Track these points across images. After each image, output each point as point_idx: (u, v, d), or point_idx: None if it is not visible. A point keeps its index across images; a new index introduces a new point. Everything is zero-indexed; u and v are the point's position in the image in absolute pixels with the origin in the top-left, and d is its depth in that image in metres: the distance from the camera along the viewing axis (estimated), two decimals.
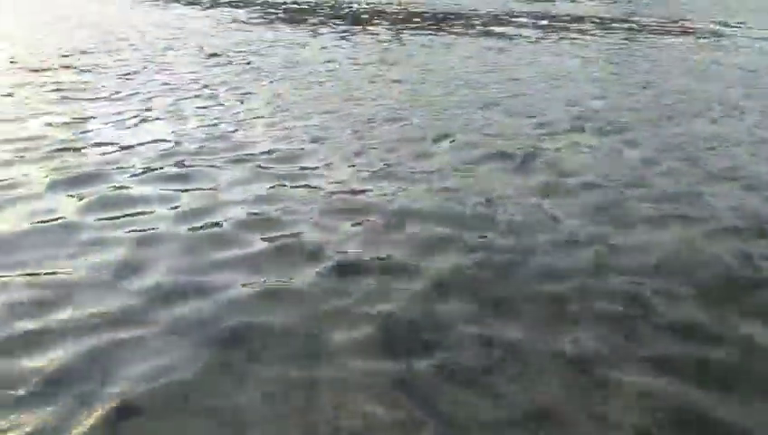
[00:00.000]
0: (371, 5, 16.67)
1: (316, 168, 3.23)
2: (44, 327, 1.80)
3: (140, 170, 3.20)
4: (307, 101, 4.75)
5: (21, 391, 1.51)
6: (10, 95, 4.87)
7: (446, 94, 4.76)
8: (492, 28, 10.40)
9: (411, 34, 9.41)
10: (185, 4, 15.68)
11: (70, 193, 2.82)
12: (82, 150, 3.50)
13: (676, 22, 11.43)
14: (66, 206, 2.66)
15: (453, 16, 13.01)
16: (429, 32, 9.78)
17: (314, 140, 3.69)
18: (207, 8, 14.15)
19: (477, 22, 11.67)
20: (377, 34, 9.28)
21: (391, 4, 17.25)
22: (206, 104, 4.63)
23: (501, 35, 9.38)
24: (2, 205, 2.66)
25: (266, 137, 3.81)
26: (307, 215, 2.59)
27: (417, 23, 11.54)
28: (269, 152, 3.50)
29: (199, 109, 4.50)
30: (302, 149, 3.55)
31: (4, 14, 12.70)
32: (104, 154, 3.44)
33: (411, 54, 7.20)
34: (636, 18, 12.21)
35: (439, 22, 11.59)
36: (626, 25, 10.78)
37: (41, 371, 1.59)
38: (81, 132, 3.85)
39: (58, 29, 9.91)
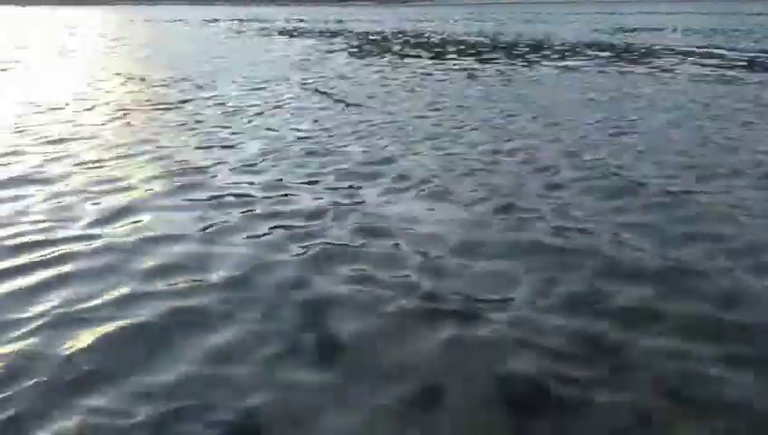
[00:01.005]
0: (450, 35, 17.20)
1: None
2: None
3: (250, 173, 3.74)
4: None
5: None
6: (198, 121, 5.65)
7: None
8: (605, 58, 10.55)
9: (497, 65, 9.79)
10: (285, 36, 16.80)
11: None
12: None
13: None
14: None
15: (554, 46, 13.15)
16: (516, 63, 10.13)
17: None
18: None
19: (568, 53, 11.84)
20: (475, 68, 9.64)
21: (473, 34, 17.67)
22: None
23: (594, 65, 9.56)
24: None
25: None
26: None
27: (497, 54, 11.86)
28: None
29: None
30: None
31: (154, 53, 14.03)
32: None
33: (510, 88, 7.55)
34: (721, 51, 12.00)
35: (530, 52, 11.85)
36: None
37: None
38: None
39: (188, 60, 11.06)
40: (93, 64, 10.20)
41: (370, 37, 17.53)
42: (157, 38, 17.66)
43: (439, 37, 17.33)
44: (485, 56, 11.25)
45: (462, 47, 13.50)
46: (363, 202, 3.21)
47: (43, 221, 2.90)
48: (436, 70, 9.09)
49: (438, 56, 11.31)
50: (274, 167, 3.91)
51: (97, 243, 2.66)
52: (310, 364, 1.75)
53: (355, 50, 13.04)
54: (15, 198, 3.25)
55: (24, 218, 2.94)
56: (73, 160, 4.06)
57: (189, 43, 15.19)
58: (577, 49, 12.72)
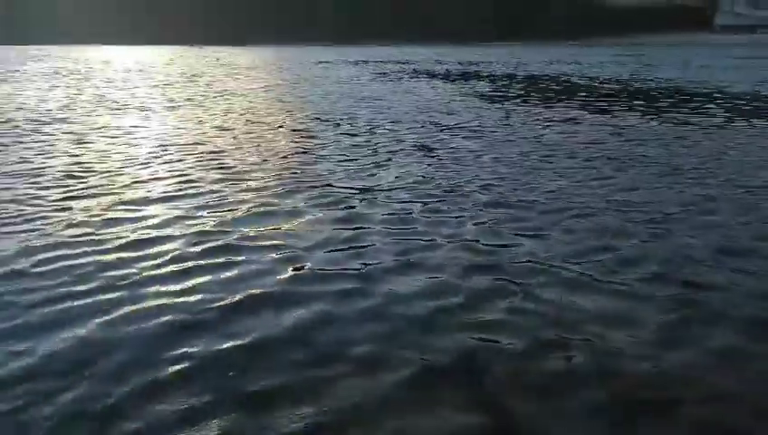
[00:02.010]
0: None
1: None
2: None
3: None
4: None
5: None
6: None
7: None
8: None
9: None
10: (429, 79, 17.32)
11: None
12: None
13: None
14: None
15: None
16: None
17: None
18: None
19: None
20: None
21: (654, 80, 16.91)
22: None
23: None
24: None
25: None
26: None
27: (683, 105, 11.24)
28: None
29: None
30: None
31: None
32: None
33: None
34: None
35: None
36: None
37: None
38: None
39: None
40: (256, 102, 11.16)
41: (515, 80, 17.44)
42: (309, 79, 18.96)
43: (584, 82, 16.79)
44: (636, 105, 10.67)
45: (609, 94, 12.95)
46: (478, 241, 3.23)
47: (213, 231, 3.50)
48: (580, 119, 8.75)
49: (582, 103, 10.92)
50: (407, 203, 4.14)
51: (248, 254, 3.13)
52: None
53: (498, 94, 13.01)
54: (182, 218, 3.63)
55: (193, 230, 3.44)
56: (224, 184, 4.63)
57: (340, 85, 16.11)
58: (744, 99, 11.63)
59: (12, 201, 4.18)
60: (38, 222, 3.70)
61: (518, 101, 11.66)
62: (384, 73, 21.54)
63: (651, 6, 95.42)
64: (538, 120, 8.78)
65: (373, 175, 5.07)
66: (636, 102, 11.22)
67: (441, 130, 7.64)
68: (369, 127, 7.91)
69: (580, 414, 1.88)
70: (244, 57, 41.98)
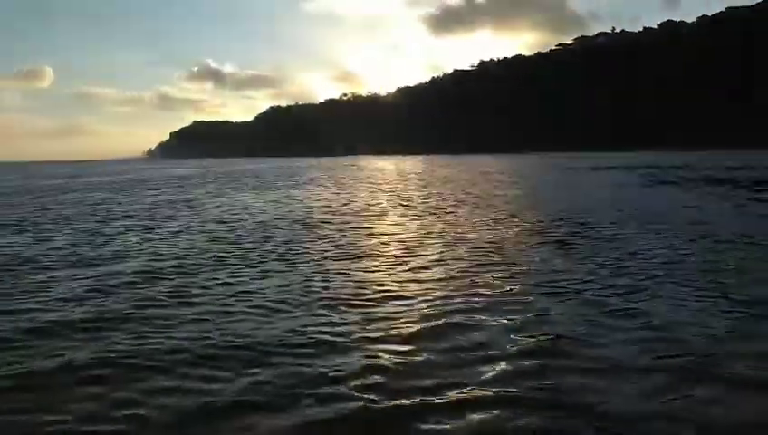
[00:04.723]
0: None
1: None
2: None
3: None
4: None
5: None
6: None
7: None
8: None
9: None
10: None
11: None
12: None
13: None
14: None
15: None
16: None
17: None
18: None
19: None
20: None
21: None
22: None
23: None
24: None
25: None
26: None
27: None
28: None
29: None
30: None
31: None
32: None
33: None
34: None
35: None
36: None
37: None
38: None
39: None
40: (514, 203, 12.59)
41: None
42: (559, 182, 19.84)
43: None
44: None
45: None
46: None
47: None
48: None
49: None
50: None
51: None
52: None
53: None
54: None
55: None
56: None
57: (587, 190, 16.87)
58: None
59: (316, 263, 6.64)
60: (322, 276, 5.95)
61: None
62: (649, 179, 21.14)
63: None
64: None
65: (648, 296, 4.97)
66: None
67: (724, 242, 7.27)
68: (642, 236, 7.91)
69: None
70: (497, 164, 43.96)
